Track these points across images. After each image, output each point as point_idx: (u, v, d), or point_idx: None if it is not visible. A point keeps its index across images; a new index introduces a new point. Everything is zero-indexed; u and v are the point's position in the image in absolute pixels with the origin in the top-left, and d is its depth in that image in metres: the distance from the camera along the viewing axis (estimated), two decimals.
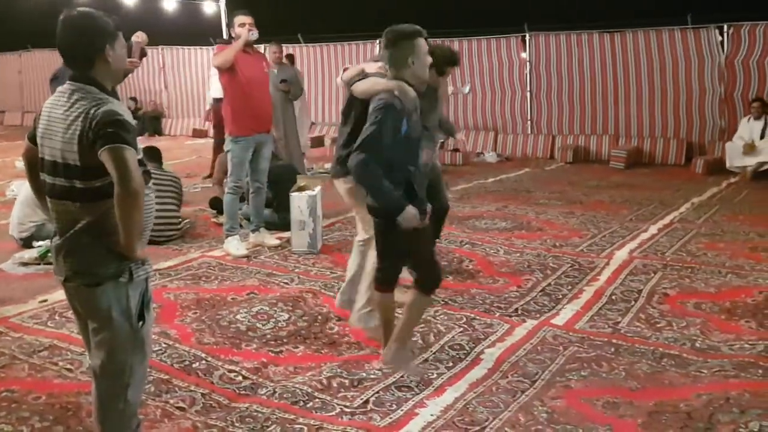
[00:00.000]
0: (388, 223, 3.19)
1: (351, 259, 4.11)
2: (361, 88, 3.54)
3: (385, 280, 3.48)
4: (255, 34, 5.51)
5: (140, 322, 2.29)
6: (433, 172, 4.55)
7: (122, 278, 2.23)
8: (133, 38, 4.99)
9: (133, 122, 2.26)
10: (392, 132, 3.10)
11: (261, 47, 8.48)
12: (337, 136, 3.95)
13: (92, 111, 2.15)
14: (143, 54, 5.04)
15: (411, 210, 3.14)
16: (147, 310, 2.32)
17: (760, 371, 3.39)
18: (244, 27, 5.49)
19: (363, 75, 3.67)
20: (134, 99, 16.15)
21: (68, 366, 3.48)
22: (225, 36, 9.70)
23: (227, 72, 5.46)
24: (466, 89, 10.57)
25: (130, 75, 5.09)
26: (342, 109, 3.85)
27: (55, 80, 4.69)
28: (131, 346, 2.29)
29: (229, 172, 5.63)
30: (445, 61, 4.48)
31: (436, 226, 4.58)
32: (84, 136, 2.14)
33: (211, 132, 11.65)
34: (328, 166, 10.27)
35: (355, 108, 3.66)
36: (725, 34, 10.25)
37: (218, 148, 8.33)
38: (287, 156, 8.48)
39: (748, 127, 9.39)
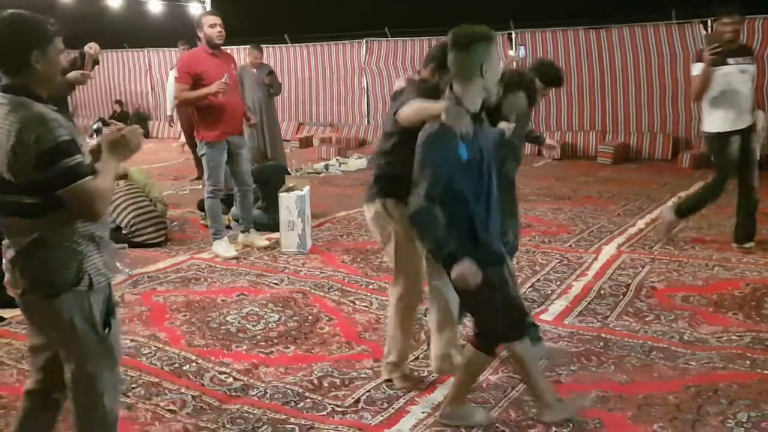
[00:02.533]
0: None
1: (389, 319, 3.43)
2: (405, 115, 2.95)
3: (493, 338, 2.87)
4: (220, 96, 5.27)
5: (106, 329, 2.20)
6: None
7: (81, 286, 2.13)
8: (85, 48, 4.88)
9: (68, 123, 2.12)
10: (449, 163, 2.61)
11: (233, 49, 8.44)
12: (376, 154, 3.42)
13: (24, 134, 1.99)
14: (95, 64, 4.95)
15: (465, 264, 2.57)
16: (113, 317, 2.24)
17: (748, 362, 3.42)
18: (214, 28, 5.35)
19: (400, 92, 3.16)
20: (119, 102, 16.05)
21: None
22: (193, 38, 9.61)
23: (196, 78, 5.30)
24: (522, 52, 10.33)
25: (82, 84, 4.84)
26: (385, 126, 3.32)
27: None
28: (99, 354, 2.20)
29: (206, 176, 5.58)
30: (552, 80, 3.89)
31: None
32: (18, 158, 2.00)
33: (177, 133, 11.69)
34: (316, 166, 10.32)
35: (401, 133, 3.09)
36: (709, 29, 10.29)
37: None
38: (272, 152, 8.47)
39: None
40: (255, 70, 8.45)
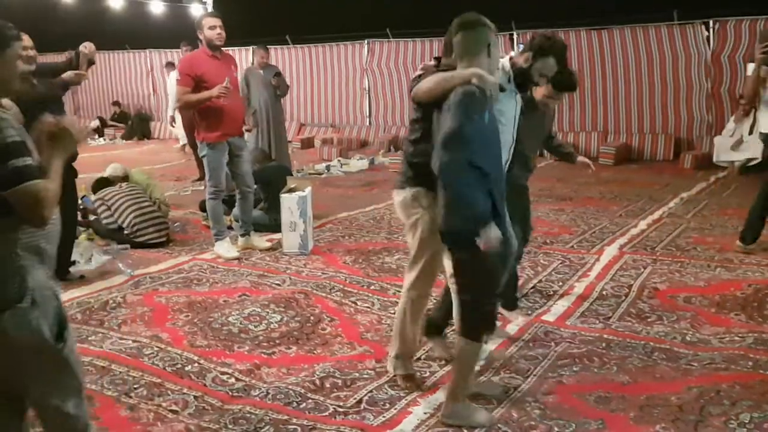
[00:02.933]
0: (473, 248, 2.70)
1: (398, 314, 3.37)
2: (424, 88, 2.93)
3: (489, 323, 2.92)
4: (224, 100, 5.30)
5: (60, 343, 2.08)
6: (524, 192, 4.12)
7: (24, 302, 2.00)
8: (80, 48, 4.88)
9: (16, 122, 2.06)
10: (478, 127, 2.68)
11: (235, 50, 8.46)
12: (405, 142, 3.35)
13: None
14: (91, 63, 4.94)
15: (495, 229, 2.67)
16: (65, 328, 2.10)
17: (750, 363, 3.42)
18: (213, 30, 5.35)
19: (418, 78, 3.13)
20: (117, 103, 16.06)
21: None
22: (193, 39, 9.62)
23: (197, 80, 5.32)
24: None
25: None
26: (411, 114, 3.27)
27: None
28: (56, 368, 2.09)
29: (207, 177, 5.59)
30: (565, 85, 3.87)
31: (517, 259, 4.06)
32: None
33: (180, 135, 11.73)
34: (318, 167, 10.32)
35: (423, 113, 3.06)
36: (711, 30, 10.31)
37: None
38: (276, 155, 8.46)
39: (737, 131, 9.41)
40: (262, 71, 8.44)
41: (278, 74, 8.56)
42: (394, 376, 3.33)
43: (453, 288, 2.98)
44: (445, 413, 2.95)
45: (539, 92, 3.87)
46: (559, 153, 4.55)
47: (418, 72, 3.18)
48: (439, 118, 2.82)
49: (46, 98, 4.66)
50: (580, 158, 4.49)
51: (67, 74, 4.74)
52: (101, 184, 6.43)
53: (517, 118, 3.26)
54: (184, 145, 12.41)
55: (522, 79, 3.30)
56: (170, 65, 13.29)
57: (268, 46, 9.11)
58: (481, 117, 2.70)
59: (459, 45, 2.86)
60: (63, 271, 4.96)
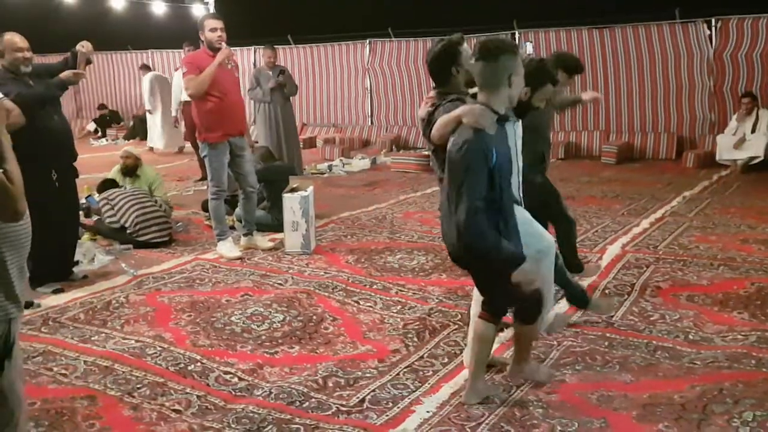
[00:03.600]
0: (490, 275, 2.98)
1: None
2: (436, 135, 2.97)
3: (494, 312, 3.07)
4: (231, 65, 5.41)
5: None
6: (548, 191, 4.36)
7: None
8: (77, 47, 4.89)
9: None
10: (486, 172, 2.70)
11: (236, 50, 8.40)
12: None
13: None
14: (88, 62, 4.95)
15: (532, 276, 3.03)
16: (8, 358, 1.94)
17: (753, 362, 3.41)
18: (214, 32, 5.38)
19: (428, 119, 3.16)
20: (103, 106, 16.08)
21: (62, 371, 3.48)
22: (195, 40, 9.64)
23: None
24: (529, 48, 10.46)
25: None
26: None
27: None
28: None
29: (209, 177, 5.60)
30: (574, 68, 4.06)
31: (571, 239, 4.57)
32: None
33: (182, 136, 11.87)
34: (320, 166, 10.33)
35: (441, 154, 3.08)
36: (713, 28, 10.30)
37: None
38: (287, 154, 8.46)
39: (740, 128, 9.43)
40: (270, 72, 8.45)
41: (283, 71, 8.56)
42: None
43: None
44: (467, 395, 3.08)
45: (558, 88, 3.95)
46: (566, 105, 4.69)
47: (427, 108, 3.20)
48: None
49: (44, 98, 4.68)
50: (585, 95, 4.62)
51: (65, 74, 4.74)
52: (106, 185, 6.45)
53: (518, 144, 3.24)
54: (151, 148, 12.68)
55: (522, 110, 3.25)
56: (145, 67, 13.50)
57: (276, 46, 9.16)
58: (486, 156, 2.69)
59: (478, 75, 2.80)
60: (66, 272, 4.97)
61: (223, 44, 5.36)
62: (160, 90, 12.34)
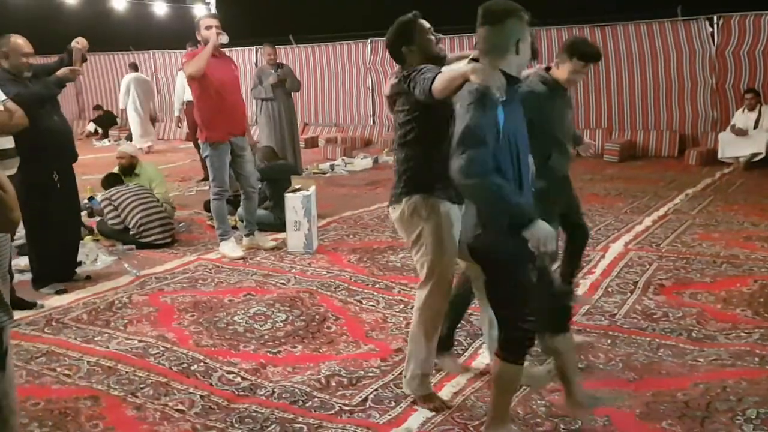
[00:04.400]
0: (510, 262, 2.50)
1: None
2: (437, 86, 2.68)
3: (521, 344, 2.60)
4: (224, 38, 5.41)
5: None
6: (570, 187, 3.90)
7: None
8: (72, 44, 4.90)
9: None
10: (493, 128, 2.38)
11: (238, 50, 8.40)
12: (395, 148, 3.16)
13: None
14: (83, 60, 4.97)
15: (544, 225, 2.38)
16: (2, 368, 1.88)
17: (757, 359, 3.41)
18: (210, 30, 5.41)
19: (394, 96, 3.02)
20: (99, 107, 16.10)
21: (66, 372, 3.48)
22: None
23: (198, 78, 5.38)
24: None
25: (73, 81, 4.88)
26: (399, 122, 3.05)
27: None
28: None
29: (210, 178, 5.61)
30: (591, 56, 3.64)
31: (574, 259, 4.02)
32: None
33: (183, 135, 12.30)
34: (322, 166, 10.33)
35: (419, 114, 2.94)
36: (715, 25, 10.28)
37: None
38: (288, 153, 8.44)
39: (743, 119, 9.42)
40: (273, 70, 8.45)
41: (281, 66, 8.54)
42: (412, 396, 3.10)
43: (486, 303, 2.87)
44: None
45: (563, 72, 3.65)
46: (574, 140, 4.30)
47: (392, 81, 3.09)
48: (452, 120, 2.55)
49: (43, 98, 4.69)
50: (586, 140, 4.28)
51: (62, 71, 4.74)
52: (111, 180, 6.44)
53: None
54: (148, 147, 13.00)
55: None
56: (133, 67, 13.80)
57: (277, 46, 9.15)
58: (493, 113, 2.38)
59: (483, 40, 2.50)
60: (69, 272, 4.98)
61: (214, 34, 5.37)
62: (135, 90, 12.92)
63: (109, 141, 15.28)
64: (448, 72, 2.71)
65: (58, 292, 4.71)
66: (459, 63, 2.86)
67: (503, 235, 2.46)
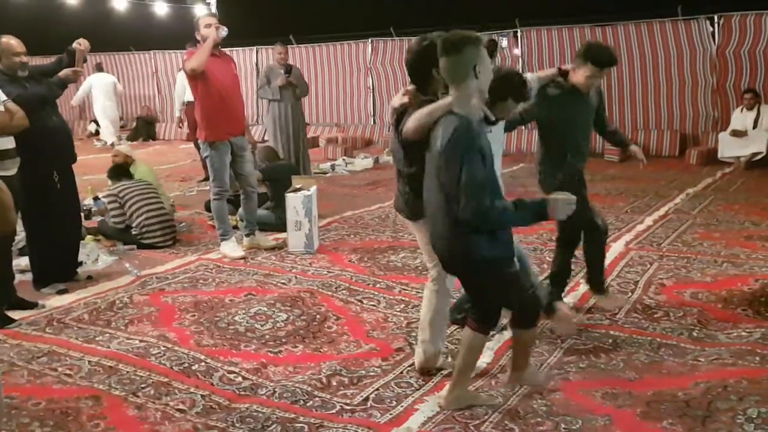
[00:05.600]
0: (499, 274, 2.85)
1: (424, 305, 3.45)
2: (411, 127, 2.89)
3: (484, 322, 3.02)
4: (224, 32, 5.40)
5: None
6: (582, 186, 4.04)
7: None
8: (74, 45, 4.91)
9: None
10: (480, 156, 2.63)
11: (238, 50, 8.41)
12: (397, 175, 3.33)
13: None
14: (84, 60, 4.98)
15: (559, 197, 2.74)
16: None
17: (758, 358, 3.41)
18: (210, 27, 5.42)
19: (402, 110, 3.10)
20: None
21: (67, 371, 3.48)
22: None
23: (198, 77, 5.38)
24: (504, 42, 10.57)
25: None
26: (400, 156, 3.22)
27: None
28: None
29: (211, 178, 5.61)
30: (606, 60, 3.75)
31: (599, 253, 4.21)
32: None
33: (184, 135, 12.39)
34: (323, 166, 10.33)
35: (413, 149, 3.04)
36: (716, 25, 10.28)
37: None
38: (294, 154, 8.39)
39: (741, 118, 9.43)
40: (282, 70, 8.39)
41: (290, 70, 8.44)
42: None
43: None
44: (448, 400, 3.03)
45: (580, 76, 3.77)
46: (614, 140, 4.55)
47: (402, 100, 3.11)
48: (429, 155, 2.81)
49: (45, 99, 4.70)
50: (633, 147, 4.40)
51: (64, 72, 4.76)
52: (118, 171, 6.42)
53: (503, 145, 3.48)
54: (109, 143, 13.29)
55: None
56: (98, 66, 13.85)
57: (269, 47, 9.10)
58: (480, 141, 2.63)
59: (445, 71, 2.73)
60: (70, 272, 4.98)
61: (214, 31, 5.37)
62: (96, 90, 13.06)
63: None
64: (422, 112, 2.85)
65: (59, 292, 4.71)
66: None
67: (486, 241, 2.76)
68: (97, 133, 15.73)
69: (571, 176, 3.91)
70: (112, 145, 12.97)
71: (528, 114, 3.88)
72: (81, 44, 4.92)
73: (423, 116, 2.84)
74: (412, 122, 2.89)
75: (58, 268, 4.88)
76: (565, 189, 3.68)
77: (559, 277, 4.16)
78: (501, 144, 3.68)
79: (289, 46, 13.78)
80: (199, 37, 5.54)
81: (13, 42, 4.60)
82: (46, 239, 4.81)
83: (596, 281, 4.26)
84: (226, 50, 6.03)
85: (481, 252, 2.76)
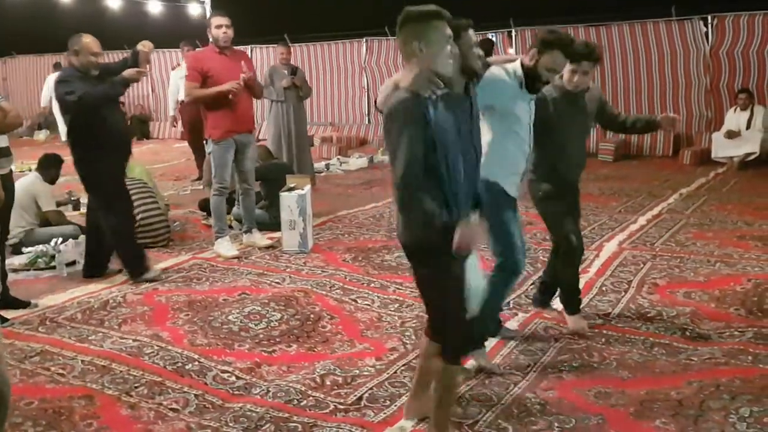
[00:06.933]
0: (435, 261, 2.55)
1: None
2: (380, 99, 2.78)
3: (470, 340, 2.90)
4: (236, 84, 5.38)
5: None
6: (573, 196, 3.88)
7: None
8: (138, 47, 5.03)
9: None
10: (422, 133, 2.42)
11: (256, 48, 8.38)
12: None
13: None
14: (147, 61, 5.09)
15: (469, 226, 2.46)
16: None
17: (750, 358, 3.43)
18: (220, 29, 5.45)
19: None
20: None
21: (60, 371, 3.47)
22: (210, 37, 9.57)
23: (204, 78, 5.40)
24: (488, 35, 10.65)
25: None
26: None
27: (64, 83, 4.69)
28: None
29: (213, 174, 5.62)
30: (578, 53, 3.44)
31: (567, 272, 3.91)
32: None
33: (178, 134, 12.46)
34: (317, 165, 10.30)
35: None
36: (709, 25, 10.31)
37: (199, 150, 8.29)
38: (296, 156, 8.30)
39: (735, 118, 9.46)
40: (285, 70, 8.32)
41: (295, 71, 8.37)
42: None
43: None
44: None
45: (566, 78, 3.59)
46: (639, 128, 4.11)
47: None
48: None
49: (111, 96, 4.85)
50: (663, 116, 3.97)
51: (128, 72, 4.83)
52: None
53: (532, 125, 3.29)
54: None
55: (532, 79, 3.20)
56: (56, 66, 13.83)
57: (264, 46, 9.03)
58: (422, 121, 2.42)
59: (400, 49, 2.60)
60: (102, 268, 5.07)
61: (236, 83, 5.36)
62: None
63: None
64: (381, 89, 2.76)
65: (155, 278, 4.89)
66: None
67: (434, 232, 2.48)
68: None
69: (558, 189, 3.74)
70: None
71: None
72: (145, 46, 5.06)
73: (382, 95, 2.72)
74: (380, 94, 2.76)
75: (142, 253, 5.04)
76: (550, 199, 3.75)
77: (554, 289, 4.06)
78: (528, 124, 3.38)
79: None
80: (210, 36, 5.57)
81: (90, 41, 4.73)
82: (130, 228, 5.03)
83: (563, 299, 3.98)
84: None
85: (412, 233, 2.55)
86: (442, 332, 2.66)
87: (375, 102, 3.00)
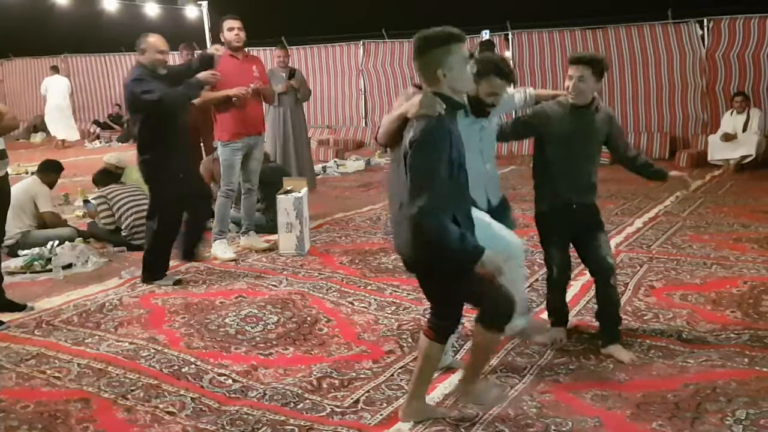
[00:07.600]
0: (453, 275, 2.71)
1: None
2: (381, 131, 2.86)
3: (443, 329, 2.90)
4: (244, 89, 5.44)
5: None
6: (572, 216, 3.75)
7: None
8: (212, 50, 5.12)
9: None
10: (448, 154, 2.54)
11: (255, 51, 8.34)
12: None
13: None
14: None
15: (488, 261, 2.62)
16: None
17: (746, 360, 3.43)
18: (232, 31, 5.53)
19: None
20: (118, 105, 16.06)
21: (56, 374, 3.46)
22: (207, 39, 9.56)
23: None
24: (486, 35, 10.64)
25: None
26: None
27: (139, 81, 4.64)
28: None
29: (222, 176, 5.65)
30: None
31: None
32: None
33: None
34: (314, 168, 10.28)
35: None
36: (705, 28, 10.35)
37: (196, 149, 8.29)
38: (295, 160, 8.25)
39: (731, 121, 9.49)
40: (283, 73, 8.31)
41: (293, 73, 8.34)
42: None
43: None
44: (405, 412, 2.93)
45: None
46: (645, 174, 4.02)
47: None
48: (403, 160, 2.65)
49: (188, 97, 4.90)
50: (673, 173, 3.87)
51: (203, 74, 4.89)
52: (105, 177, 6.39)
53: (484, 148, 3.39)
54: (63, 140, 14.44)
55: (477, 105, 3.23)
56: (54, 69, 14.55)
57: (261, 48, 9.00)
58: (447, 146, 2.54)
59: (417, 71, 2.70)
60: (161, 273, 4.99)
61: (244, 90, 5.42)
62: (52, 91, 14.18)
63: (101, 143, 15.24)
64: (387, 117, 2.82)
65: (175, 283, 4.85)
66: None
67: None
68: (98, 136, 15.71)
69: (553, 209, 3.71)
70: (63, 141, 14.26)
71: (523, 126, 3.80)
72: (218, 50, 5.15)
73: (387, 121, 2.81)
74: (381, 126, 2.86)
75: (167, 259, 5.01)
76: (545, 220, 3.77)
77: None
78: (492, 145, 3.59)
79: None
80: (222, 39, 5.63)
81: (157, 40, 4.74)
82: (172, 239, 4.98)
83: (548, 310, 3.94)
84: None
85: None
86: (483, 304, 2.79)
87: (376, 136, 3.00)
